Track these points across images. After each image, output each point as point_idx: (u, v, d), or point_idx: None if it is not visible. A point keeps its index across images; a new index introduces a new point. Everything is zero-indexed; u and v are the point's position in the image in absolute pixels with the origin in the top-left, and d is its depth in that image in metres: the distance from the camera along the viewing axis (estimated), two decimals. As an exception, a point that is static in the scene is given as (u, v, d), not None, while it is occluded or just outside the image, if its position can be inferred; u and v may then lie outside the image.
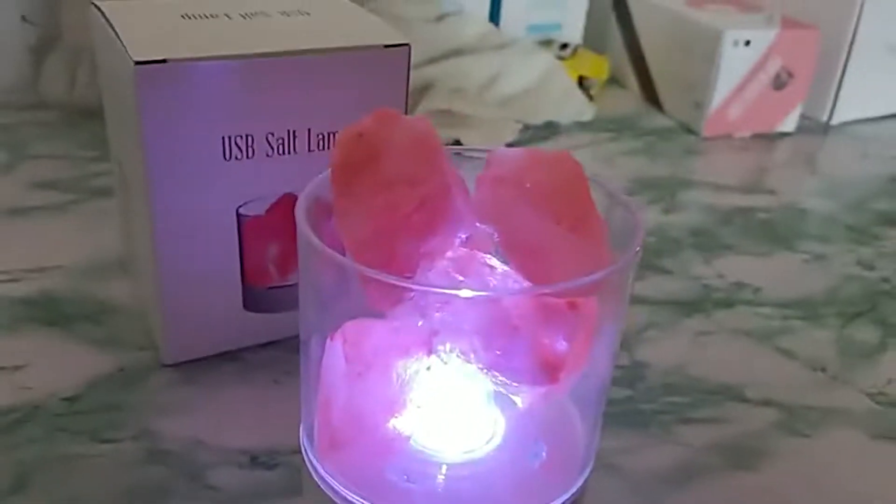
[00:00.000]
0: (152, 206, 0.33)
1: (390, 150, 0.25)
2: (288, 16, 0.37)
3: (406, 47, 0.35)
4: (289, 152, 0.35)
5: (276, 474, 0.31)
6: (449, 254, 0.25)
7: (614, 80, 0.78)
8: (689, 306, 0.44)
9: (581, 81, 0.70)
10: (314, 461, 0.27)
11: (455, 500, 0.26)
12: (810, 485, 0.33)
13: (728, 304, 0.45)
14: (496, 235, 0.26)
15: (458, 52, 0.66)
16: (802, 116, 0.69)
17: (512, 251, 0.26)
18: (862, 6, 0.66)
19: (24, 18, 0.62)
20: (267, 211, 0.36)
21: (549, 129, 0.66)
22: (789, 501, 0.32)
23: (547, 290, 0.24)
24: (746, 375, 0.39)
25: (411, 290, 0.24)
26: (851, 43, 0.67)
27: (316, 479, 0.27)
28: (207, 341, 0.37)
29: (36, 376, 0.35)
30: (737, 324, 0.43)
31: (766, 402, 0.37)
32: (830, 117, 0.70)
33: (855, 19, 0.66)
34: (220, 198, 0.34)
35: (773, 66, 0.65)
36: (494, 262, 0.25)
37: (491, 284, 0.25)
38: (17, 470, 0.31)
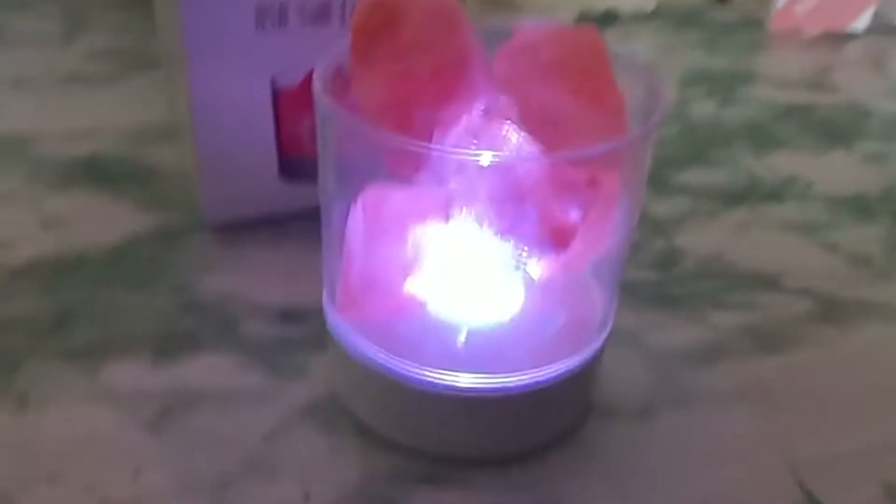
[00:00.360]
0: (189, 74, 0.34)
1: (409, 17, 0.25)
2: None
3: None
4: (322, 23, 0.34)
5: (302, 330, 0.32)
6: (465, 121, 0.25)
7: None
8: (735, 197, 0.43)
9: (644, -28, 0.67)
10: (333, 319, 0.28)
11: (468, 360, 0.26)
12: (836, 373, 0.33)
13: (775, 196, 0.44)
14: (514, 106, 0.26)
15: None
16: (876, 17, 0.65)
17: (529, 122, 0.25)
18: None
19: None
20: (301, 82, 0.36)
21: (608, 19, 0.64)
22: (812, 387, 0.32)
23: (557, 158, 0.24)
24: (785, 266, 0.38)
25: (425, 153, 0.24)
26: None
27: (335, 335, 0.28)
28: (245, 206, 0.38)
29: (81, 232, 0.37)
30: (782, 216, 0.42)
31: (803, 292, 0.37)
32: (909, 17, 0.66)
33: None
34: (255, 68, 0.34)
35: (850, -42, 0.61)
36: (512, 131, 0.25)
37: (505, 152, 0.24)
38: (56, 313, 0.32)
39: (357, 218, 0.25)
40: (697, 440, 0.29)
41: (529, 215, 0.24)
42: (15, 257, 0.35)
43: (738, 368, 0.32)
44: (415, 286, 0.26)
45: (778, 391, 0.31)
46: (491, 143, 0.25)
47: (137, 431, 0.28)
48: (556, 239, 0.25)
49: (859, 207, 0.43)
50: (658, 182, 0.43)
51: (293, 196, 0.38)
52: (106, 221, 0.37)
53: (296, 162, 0.38)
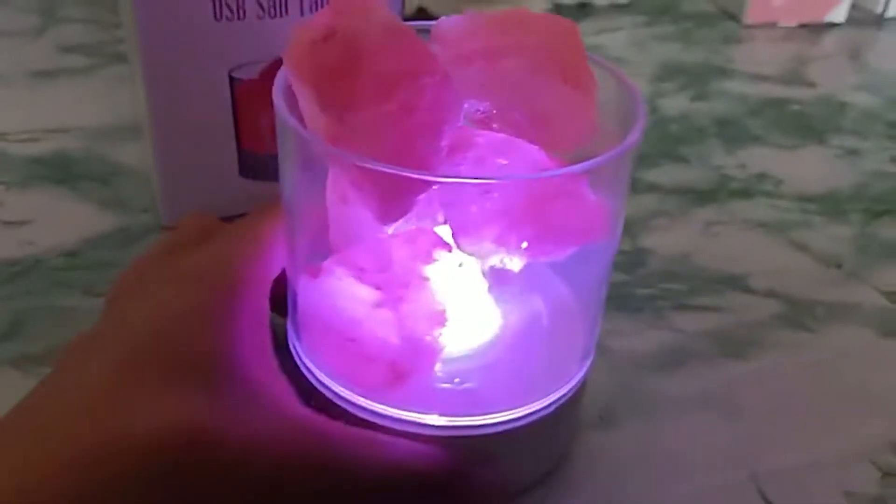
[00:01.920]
0: (144, 66, 0.33)
1: (372, 45, 0.21)
2: None
3: None
4: (281, 14, 0.34)
5: (261, 336, 0.32)
6: (475, 139, 0.24)
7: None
8: (704, 195, 0.43)
9: (621, -38, 0.66)
10: (302, 353, 0.26)
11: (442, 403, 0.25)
12: (803, 379, 0.32)
13: (745, 194, 0.43)
14: (493, 110, 0.25)
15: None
16: (855, 7, 0.65)
17: (511, 118, 0.24)
18: None
19: None
20: (260, 75, 0.35)
21: (583, 10, 0.63)
22: (780, 392, 0.32)
23: (543, 175, 0.23)
24: (753, 266, 0.38)
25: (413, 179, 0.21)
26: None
27: (302, 368, 0.26)
28: (205, 205, 0.37)
29: (40, 232, 0.36)
30: (751, 215, 0.42)
31: (770, 294, 0.36)
32: (885, 8, 0.66)
33: None
34: (212, 60, 0.34)
35: (827, -51, 0.60)
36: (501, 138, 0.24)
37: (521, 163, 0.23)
38: (11, 318, 0.32)
39: (347, 287, 0.23)
40: (659, 449, 0.29)
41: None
42: (-32, 260, 0.34)
43: (702, 374, 0.32)
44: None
45: (742, 398, 0.31)
46: (511, 156, 0.24)
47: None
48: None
49: (831, 206, 0.43)
50: (628, 180, 0.43)
51: (254, 194, 0.38)
52: (65, 222, 0.37)
53: (256, 158, 0.37)
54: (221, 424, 0.20)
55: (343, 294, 0.23)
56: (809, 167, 0.46)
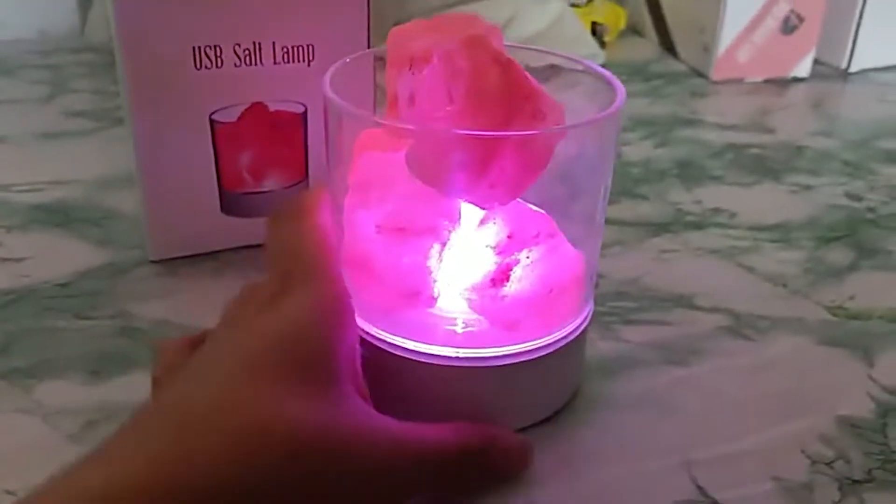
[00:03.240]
0: (132, 114, 0.37)
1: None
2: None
3: (367, -33, 0.38)
4: (256, 63, 0.38)
5: (231, 350, 0.34)
6: None
7: (635, 32, 0.78)
8: (659, 227, 0.45)
9: (594, 28, 0.71)
10: None
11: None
12: (741, 381, 0.34)
13: (699, 226, 0.46)
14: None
15: (471, -1, 0.68)
16: (820, 63, 0.69)
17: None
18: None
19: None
20: (239, 118, 0.38)
21: (554, 71, 0.67)
22: (717, 393, 0.33)
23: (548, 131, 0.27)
24: (701, 287, 0.40)
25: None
26: (870, -14, 0.66)
27: None
28: (189, 241, 0.40)
29: (36, 267, 0.39)
30: (703, 243, 0.44)
31: (716, 310, 0.39)
32: (849, 64, 0.70)
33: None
34: (195, 104, 0.37)
35: (782, 10, 0.64)
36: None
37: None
38: (3, 337, 0.34)
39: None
40: (600, 440, 0.31)
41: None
42: (-31, 291, 0.37)
43: (644, 378, 0.34)
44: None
45: (680, 398, 0.33)
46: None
47: (61, 441, 0.29)
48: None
49: (781, 234, 0.45)
50: (588, 215, 0.46)
51: (235, 232, 0.41)
52: (60, 259, 0.40)
53: (236, 196, 0.40)
54: (336, 418, 0.23)
55: (359, 224, 0.27)
56: (764, 202, 0.49)
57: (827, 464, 0.30)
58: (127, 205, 0.45)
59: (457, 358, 0.28)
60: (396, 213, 0.28)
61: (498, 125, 0.25)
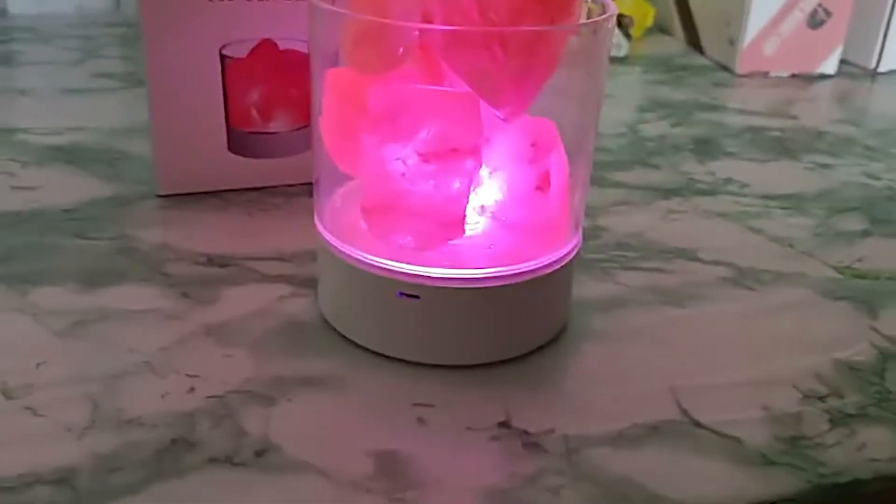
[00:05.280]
0: (145, 42, 0.37)
1: None
2: None
3: None
4: (271, -4, 0.38)
5: (224, 271, 0.35)
6: None
7: (663, 31, 0.78)
8: (669, 191, 0.45)
9: (620, 20, 0.71)
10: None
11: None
12: (737, 324, 0.33)
13: (709, 193, 0.45)
14: None
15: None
16: (849, 63, 0.68)
17: None
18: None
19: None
20: (249, 54, 0.39)
21: None
22: (711, 333, 0.33)
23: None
24: (706, 243, 0.40)
25: None
26: (901, -17, 0.66)
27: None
28: (196, 177, 0.41)
29: (45, 195, 0.40)
30: (712, 207, 0.43)
31: (718, 263, 0.38)
32: (878, 64, 0.69)
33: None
34: (206, 37, 0.38)
35: (809, 3, 0.64)
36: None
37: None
38: (5, 250, 0.35)
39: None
40: (589, 366, 0.30)
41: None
42: (-22, 212, 0.38)
43: (638, 316, 0.33)
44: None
45: (673, 334, 0.32)
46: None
47: (49, 336, 0.30)
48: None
49: (794, 203, 0.45)
50: (596, 179, 0.46)
51: (242, 172, 0.41)
52: (69, 189, 0.41)
53: (244, 136, 0.41)
54: None
55: (387, 159, 0.27)
56: (778, 176, 0.48)
57: (819, 398, 0.29)
58: (140, 149, 0.45)
59: (488, 278, 0.29)
60: (442, 134, 0.27)
61: (546, 22, 0.26)
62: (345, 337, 0.30)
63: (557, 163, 0.29)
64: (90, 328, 0.30)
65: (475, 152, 0.27)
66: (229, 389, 0.28)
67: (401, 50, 0.27)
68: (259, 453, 0.25)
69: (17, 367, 0.28)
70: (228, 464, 0.25)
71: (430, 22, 0.26)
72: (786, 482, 0.26)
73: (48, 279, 0.33)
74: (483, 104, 0.27)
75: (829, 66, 0.67)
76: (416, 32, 0.26)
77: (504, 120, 0.28)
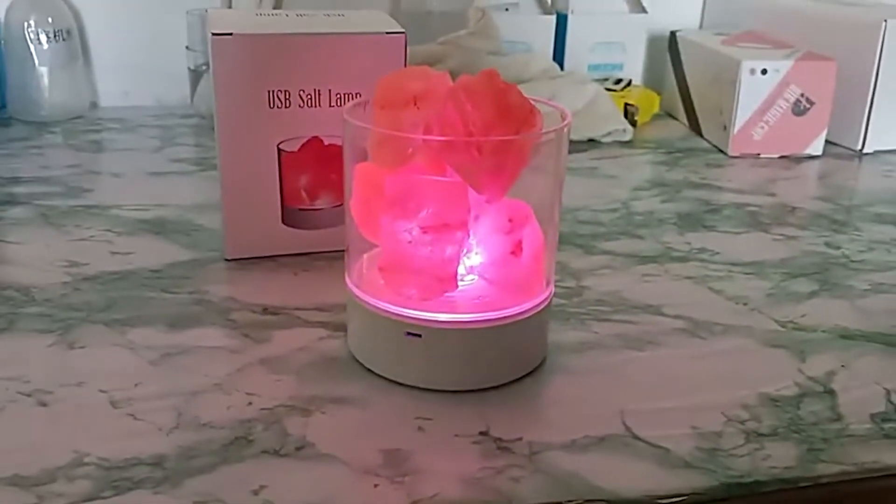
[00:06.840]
0: (220, 142, 0.48)
1: None
2: (328, 16, 0.51)
3: (402, 35, 0.48)
4: (316, 105, 0.48)
5: (277, 318, 0.44)
6: None
7: (670, 116, 0.87)
8: (647, 258, 0.53)
9: (626, 109, 0.80)
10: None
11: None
12: (686, 364, 0.41)
13: (683, 259, 0.53)
14: None
15: (517, 82, 0.79)
16: (835, 144, 0.76)
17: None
18: (882, 42, 0.73)
19: (187, 48, 0.80)
20: (300, 148, 0.49)
21: (589, 144, 0.77)
22: (660, 370, 0.41)
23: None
24: (670, 300, 0.48)
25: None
26: (877, 75, 0.74)
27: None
28: (256, 245, 0.51)
29: (137, 259, 0.50)
30: (682, 272, 0.52)
31: (678, 317, 0.46)
32: (863, 145, 0.76)
33: (877, 53, 0.73)
34: (267, 135, 0.49)
35: (792, 94, 0.72)
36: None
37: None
38: (108, 301, 0.45)
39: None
40: (555, 393, 0.38)
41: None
42: (86, 271, 0.48)
43: (602, 357, 0.42)
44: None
45: (630, 372, 0.40)
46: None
47: (144, 364, 0.39)
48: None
49: (754, 270, 0.52)
50: (585, 247, 0.54)
51: (292, 240, 0.51)
52: (156, 255, 0.51)
53: (295, 212, 0.51)
54: None
55: (399, 231, 0.36)
56: (747, 246, 0.56)
57: (740, 422, 0.37)
58: (212, 222, 0.56)
59: (476, 321, 0.37)
60: (438, 213, 0.36)
61: (512, 133, 0.35)
62: (365, 367, 0.39)
63: (531, 234, 0.38)
64: (175, 359, 0.40)
65: (464, 226, 0.36)
66: (277, 404, 0.37)
67: (410, 150, 0.37)
68: (298, 448, 0.34)
69: (121, 386, 0.38)
70: (276, 455, 0.33)
71: (430, 133, 0.35)
72: (699, 480, 0.33)
73: (142, 322, 0.43)
74: (471, 190, 0.36)
75: (816, 148, 0.75)
76: (420, 140, 0.36)
77: (487, 202, 0.37)
